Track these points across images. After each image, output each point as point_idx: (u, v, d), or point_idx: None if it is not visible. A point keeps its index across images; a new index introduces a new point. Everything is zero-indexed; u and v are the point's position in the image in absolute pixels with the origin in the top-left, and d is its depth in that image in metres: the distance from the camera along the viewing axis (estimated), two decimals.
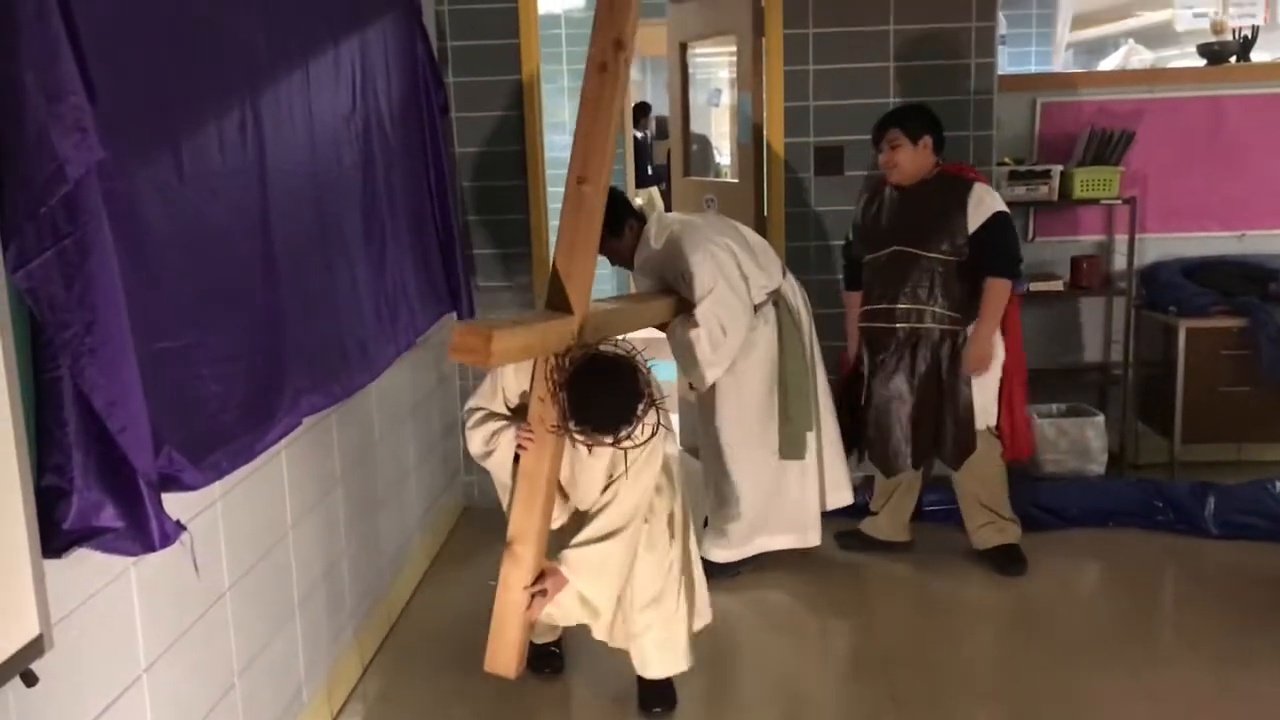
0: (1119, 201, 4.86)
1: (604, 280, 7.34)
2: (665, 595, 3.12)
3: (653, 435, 2.89)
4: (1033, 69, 7.45)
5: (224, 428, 2.28)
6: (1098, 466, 4.86)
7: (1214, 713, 3.10)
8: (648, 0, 4.16)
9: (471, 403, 3.11)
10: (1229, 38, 5.21)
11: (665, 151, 7.67)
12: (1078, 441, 4.85)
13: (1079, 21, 8.07)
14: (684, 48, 5.81)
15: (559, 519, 3.09)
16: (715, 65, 7.45)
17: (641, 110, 10.20)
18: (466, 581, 4.12)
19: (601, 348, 2.89)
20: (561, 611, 3.09)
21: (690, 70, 5.97)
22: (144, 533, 1.88)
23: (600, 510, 2.99)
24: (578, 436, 2.82)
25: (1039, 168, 4.85)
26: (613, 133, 2.94)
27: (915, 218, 3.89)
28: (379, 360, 3.37)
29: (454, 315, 4.41)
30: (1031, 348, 4.45)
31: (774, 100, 4.67)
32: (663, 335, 3.80)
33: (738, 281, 3.72)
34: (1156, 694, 3.19)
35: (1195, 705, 3.13)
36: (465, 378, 4.78)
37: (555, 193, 4.84)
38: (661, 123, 9.68)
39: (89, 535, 1.81)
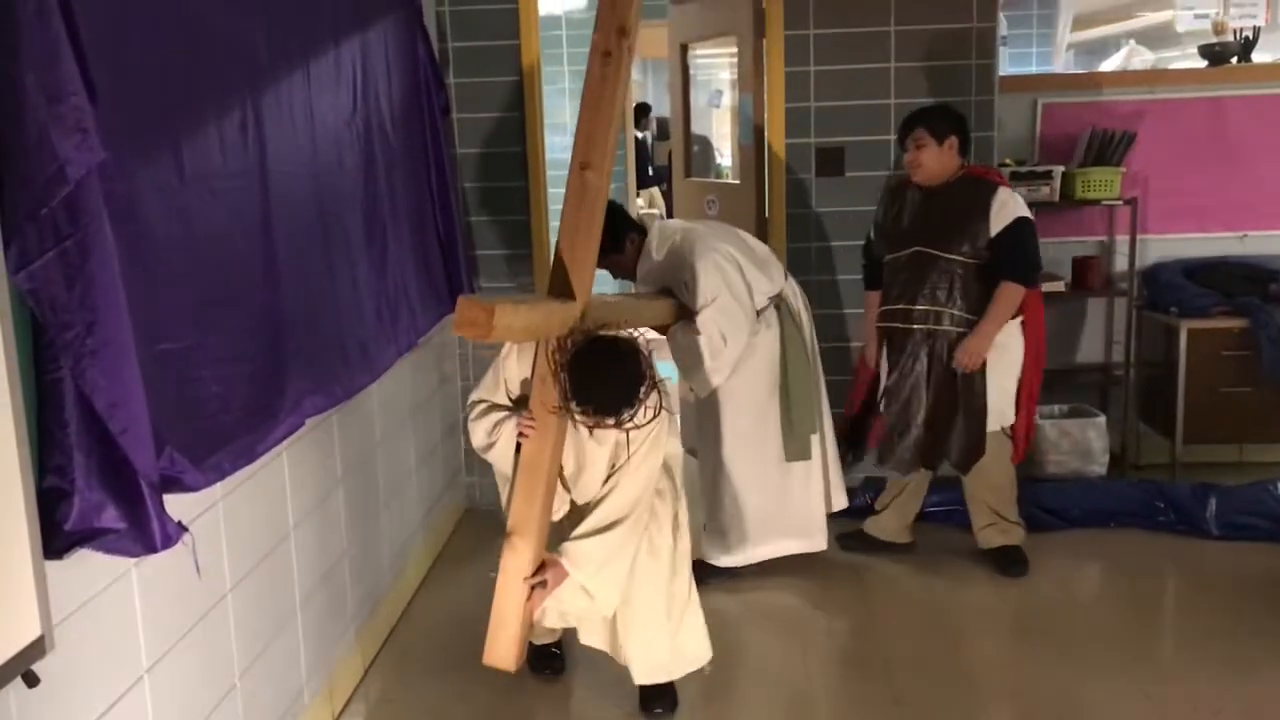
0: (1120, 202, 4.85)
1: (604, 284, 7.32)
2: (665, 600, 3.12)
3: (654, 418, 2.87)
4: (1034, 70, 7.45)
5: (225, 429, 2.29)
6: (1099, 467, 4.85)
7: (1215, 714, 3.09)
8: (649, 1, 4.17)
9: (474, 395, 3.11)
10: (1230, 38, 5.21)
11: (666, 152, 7.67)
12: (1079, 442, 4.85)
13: (1080, 22, 8.07)
14: (685, 49, 5.81)
15: (559, 511, 3.08)
16: (716, 66, 7.46)
17: (641, 111, 10.19)
18: (468, 583, 4.12)
19: (603, 331, 2.88)
20: (562, 605, 3.07)
21: (691, 71, 5.98)
22: (145, 534, 1.88)
23: (601, 500, 2.97)
24: (579, 417, 2.80)
25: (1040, 168, 4.85)
26: (616, 120, 2.94)
27: (937, 219, 3.86)
28: (380, 361, 3.37)
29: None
30: None
31: (775, 101, 4.67)
32: (662, 337, 3.80)
33: (741, 290, 3.71)
34: (1158, 695, 3.18)
35: (1196, 707, 3.13)
36: (466, 378, 4.78)
37: (556, 194, 4.83)
38: (662, 124, 9.69)
39: (90, 536, 1.81)
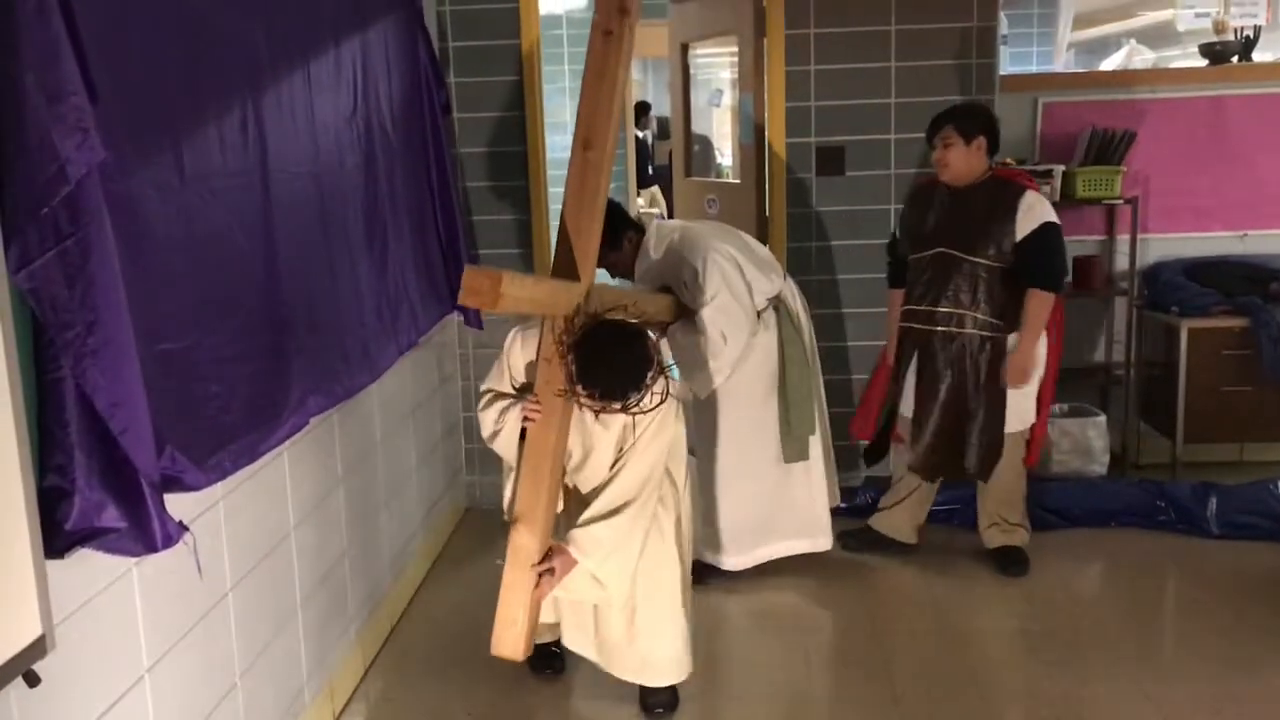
0: (1121, 201, 4.85)
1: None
2: (664, 601, 3.12)
3: (661, 403, 2.85)
4: (1034, 69, 7.44)
5: (227, 428, 2.29)
6: (1100, 467, 4.85)
7: (1215, 713, 3.09)
8: (649, 1, 4.17)
9: (483, 386, 3.11)
10: (1231, 37, 5.21)
11: (667, 152, 7.67)
12: (1080, 442, 4.85)
13: (1080, 21, 8.06)
14: (685, 48, 5.81)
15: (562, 500, 3.07)
16: (717, 66, 7.45)
17: (641, 110, 10.18)
18: (468, 582, 4.12)
19: (609, 315, 2.86)
20: (572, 594, 3.05)
21: (692, 71, 5.98)
22: (146, 533, 1.88)
23: (608, 483, 2.95)
24: (585, 401, 2.78)
25: (1040, 168, 4.84)
26: (617, 98, 2.93)
27: (963, 220, 3.82)
28: (380, 360, 3.37)
29: (456, 316, 4.42)
30: None
31: (775, 100, 4.67)
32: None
33: (741, 289, 3.70)
34: (1158, 695, 3.18)
35: (1197, 706, 3.13)
36: (467, 378, 4.78)
37: (557, 193, 4.83)
38: (663, 123, 9.68)
39: (91, 536, 1.81)
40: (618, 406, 2.77)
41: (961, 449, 3.90)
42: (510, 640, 3.01)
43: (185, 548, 2.04)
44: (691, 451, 4.15)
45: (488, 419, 3.03)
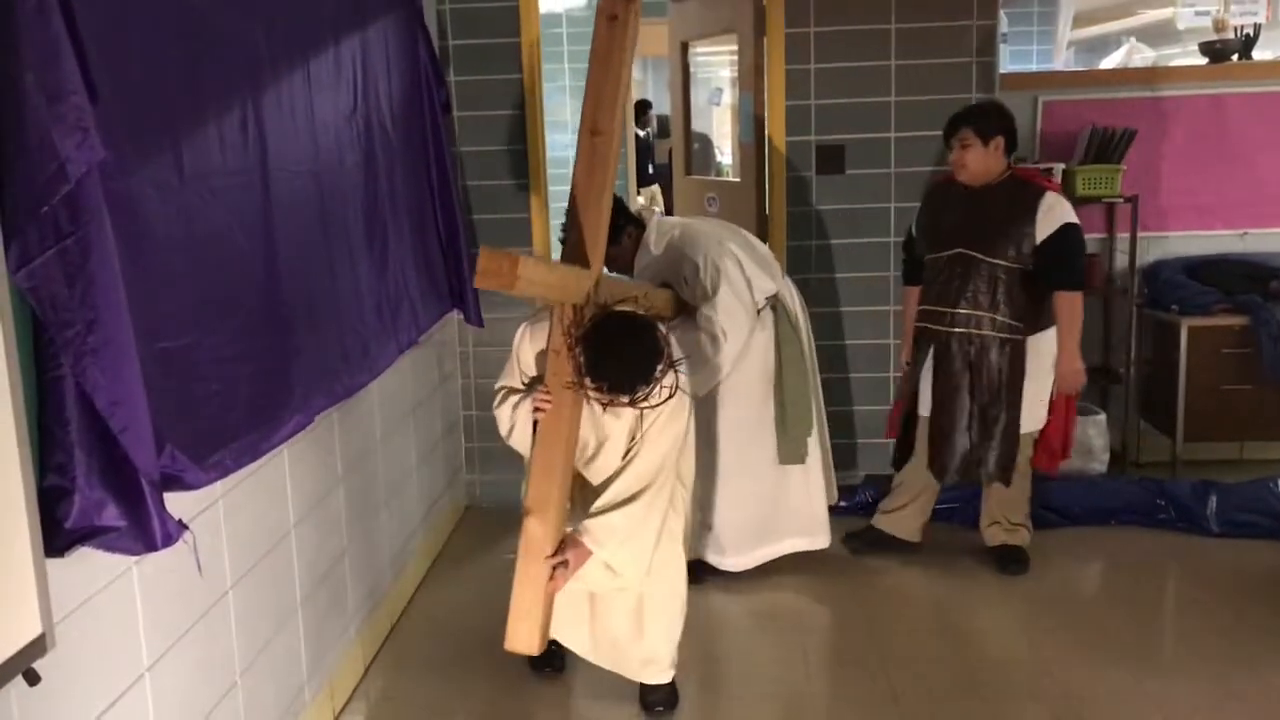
0: (1121, 200, 4.85)
1: None
2: (673, 601, 3.12)
3: (670, 397, 2.83)
4: (1034, 67, 7.45)
5: (228, 427, 2.29)
6: (1100, 465, 4.85)
7: (1215, 712, 3.10)
8: (649, 0, 4.17)
9: (497, 383, 3.10)
10: (1231, 36, 5.20)
11: (667, 150, 7.67)
12: (1080, 440, 4.83)
13: (1080, 20, 8.07)
14: (685, 47, 5.81)
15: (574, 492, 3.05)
16: (716, 64, 7.45)
17: (642, 109, 10.16)
18: (468, 580, 4.13)
19: (619, 306, 2.85)
20: (587, 585, 3.03)
21: (692, 69, 5.98)
22: (146, 532, 1.88)
23: (619, 473, 2.93)
24: (593, 394, 2.77)
25: (1040, 166, 4.84)
26: (624, 84, 2.92)
27: (982, 221, 3.79)
28: (380, 359, 3.37)
29: (457, 314, 4.42)
30: None
31: (775, 99, 4.67)
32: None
33: (741, 286, 3.69)
34: (1158, 693, 3.19)
35: (1197, 704, 3.13)
36: (467, 376, 4.79)
37: (557, 192, 4.83)
38: (663, 121, 9.66)
39: (91, 534, 1.82)
40: (626, 400, 2.75)
41: (981, 452, 3.87)
42: (524, 634, 2.97)
43: (185, 546, 2.05)
44: None
45: (502, 416, 3.02)
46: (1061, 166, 4.84)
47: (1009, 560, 4.02)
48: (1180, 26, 5.64)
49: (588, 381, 2.74)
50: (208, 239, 2.26)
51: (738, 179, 5.35)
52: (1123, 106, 5.00)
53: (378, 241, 3.43)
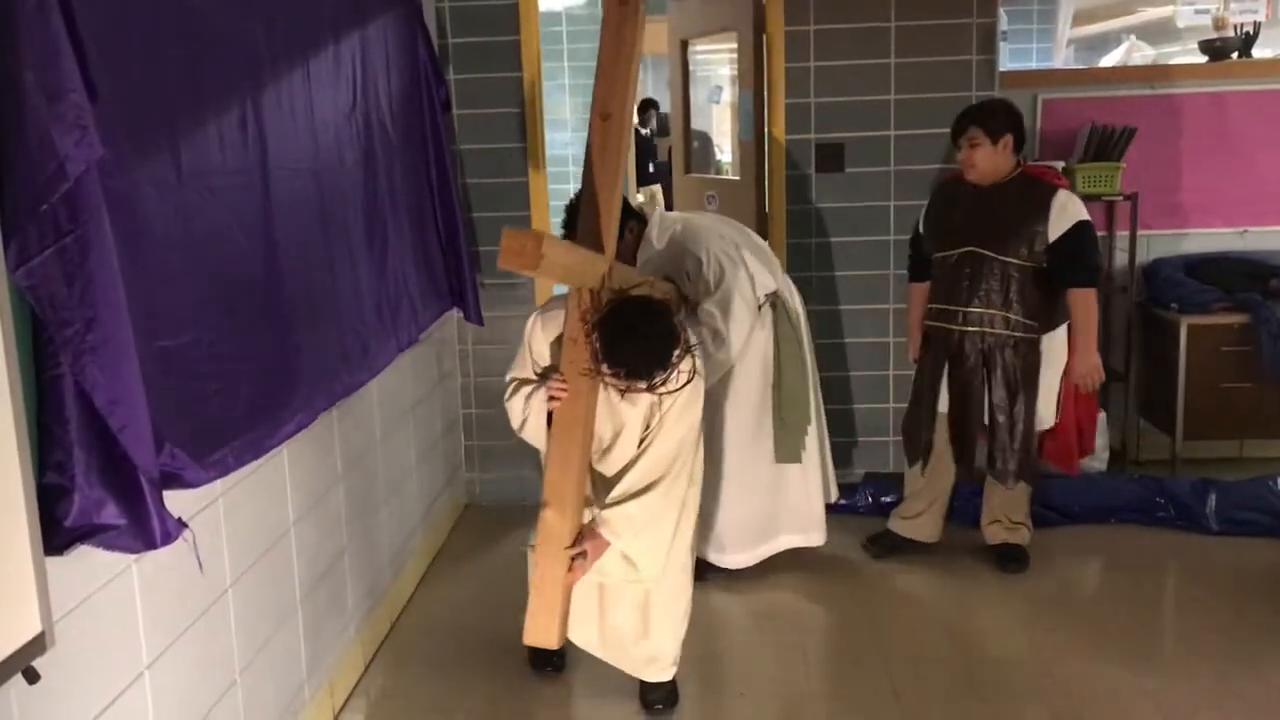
0: (1120, 198, 4.85)
1: None
2: (681, 600, 3.12)
3: (688, 382, 2.82)
4: (1034, 65, 7.45)
5: (229, 425, 2.29)
6: (1100, 463, 4.85)
7: (1215, 710, 3.10)
8: None
9: (507, 375, 3.07)
10: (1230, 34, 5.20)
11: (667, 148, 7.66)
12: None
13: (1080, 18, 8.07)
14: (685, 45, 5.81)
15: (589, 484, 3.03)
16: (716, 62, 7.45)
17: (643, 107, 10.12)
18: (468, 578, 4.13)
19: (634, 291, 2.82)
20: (605, 577, 3.01)
21: (691, 67, 5.98)
22: (145, 530, 1.88)
23: (634, 462, 2.92)
24: (610, 380, 2.75)
25: (1040, 164, 4.84)
26: (635, 66, 2.91)
27: (992, 219, 3.76)
28: (380, 358, 3.37)
29: (456, 312, 4.42)
30: None
31: (775, 97, 4.67)
32: None
33: (744, 280, 3.69)
34: (1158, 691, 3.19)
35: (1197, 703, 3.13)
36: (466, 374, 4.79)
37: (557, 190, 4.84)
38: (663, 120, 9.65)
39: (90, 533, 1.82)
40: (643, 386, 2.74)
41: (999, 453, 3.85)
42: (544, 628, 2.95)
43: (185, 544, 2.05)
44: None
45: (515, 408, 2.99)
46: (1061, 164, 4.84)
47: (1009, 559, 4.02)
48: (1180, 24, 5.64)
49: (605, 368, 2.72)
50: (207, 237, 2.26)
51: (737, 177, 5.36)
52: (1122, 104, 5.00)
53: (377, 240, 3.43)
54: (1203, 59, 5.28)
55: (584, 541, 2.91)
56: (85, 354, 1.72)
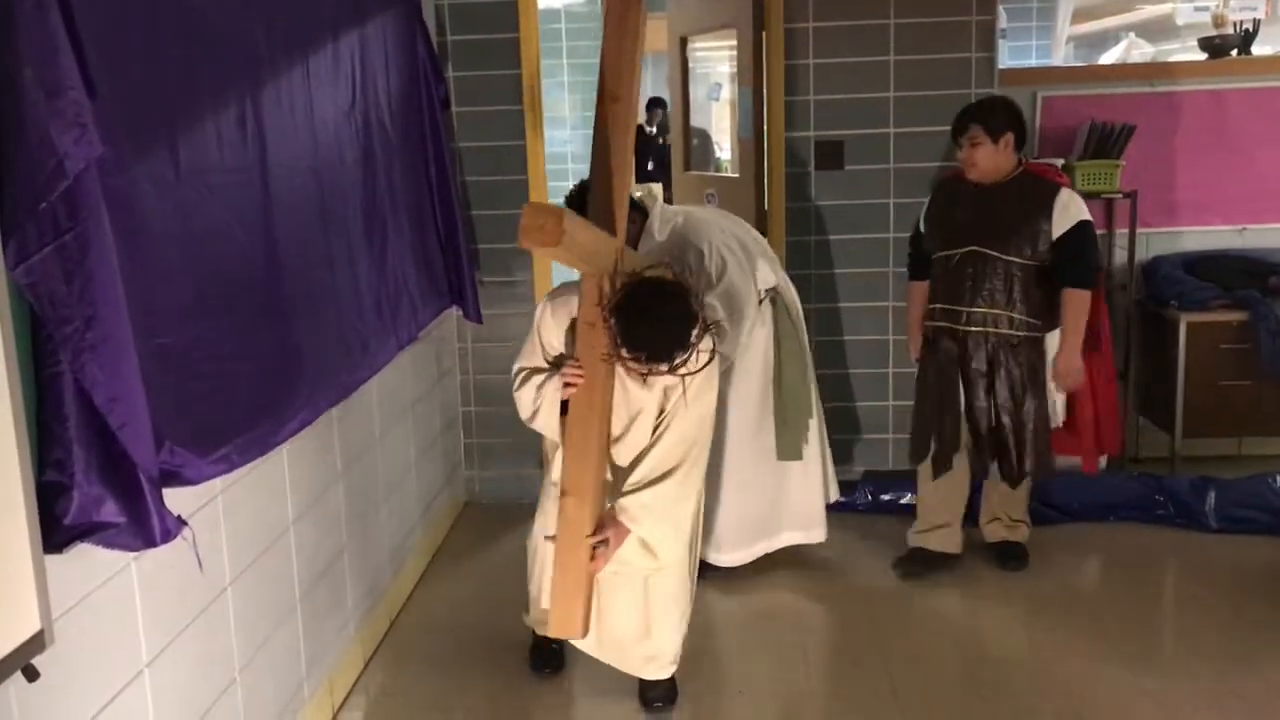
0: (1119, 195, 4.84)
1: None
2: (683, 597, 3.12)
3: (710, 361, 2.79)
4: (1033, 63, 7.45)
5: (231, 423, 2.29)
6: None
7: (1214, 708, 3.10)
8: None
9: (515, 365, 3.04)
10: (1230, 31, 5.20)
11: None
12: None
13: (1079, 15, 8.07)
14: (684, 42, 5.81)
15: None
16: (715, 60, 7.45)
17: (650, 105, 10.06)
18: (467, 576, 4.13)
19: (648, 273, 2.78)
20: (626, 566, 2.98)
21: (691, 65, 5.97)
22: (145, 528, 1.88)
23: (652, 446, 2.89)
24: (631, 365, 2.72)
25: (1039, 162, 4.84)
26: (640, 47, 2.89)
27: (995, 218, 3.73)
28: (380, 355, 3.37)
29: (455, 310, 4.42)
30: None
31: (774, 95, 4.67)
32: None
33: (745, 273, 3.69)
34: (1157, 690, 3.19)
35: (1196, 701, 3.13)
36: (466, 372, 4.78)
37: (556, 187, 4.83)
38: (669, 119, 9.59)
39: (90, 530, 1.81)
40: (664, 369, 2.71)
41: (1011, 453, 3.81)
42: (569, 619, 2.90)
43: (184, 542, 2.05)
44: None
45: (525, 398, 2.96)
46: (1060, 162, 4.84)
47: (1009, 556, 4.02)
48: (1179, 22, 5.65)
49: (624, 352, 2.69)
50: (206, 235, 2.26)
51: (736, 175, 5.35)
52: (1122, 102, 4.99)
53: (377, 237, 3.43)
54: (1202, 56, 5.28)
55: (605, 529, 2.87)
56: (84, 352, 1.72)
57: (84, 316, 1.71)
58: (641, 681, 3.19)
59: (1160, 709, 3.09)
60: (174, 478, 2.03)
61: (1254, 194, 5.08)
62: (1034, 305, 3.74)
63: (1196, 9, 5.38)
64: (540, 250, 2.61)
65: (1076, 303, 3.74)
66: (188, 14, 2.22)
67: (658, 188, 9.74)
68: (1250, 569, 3.96)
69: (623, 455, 3.00)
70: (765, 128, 4.76)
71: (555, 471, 3.10)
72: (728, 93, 6.42)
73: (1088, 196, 4.81)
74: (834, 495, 4.11)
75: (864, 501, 4.56)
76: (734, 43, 5.15)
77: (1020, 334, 3.74)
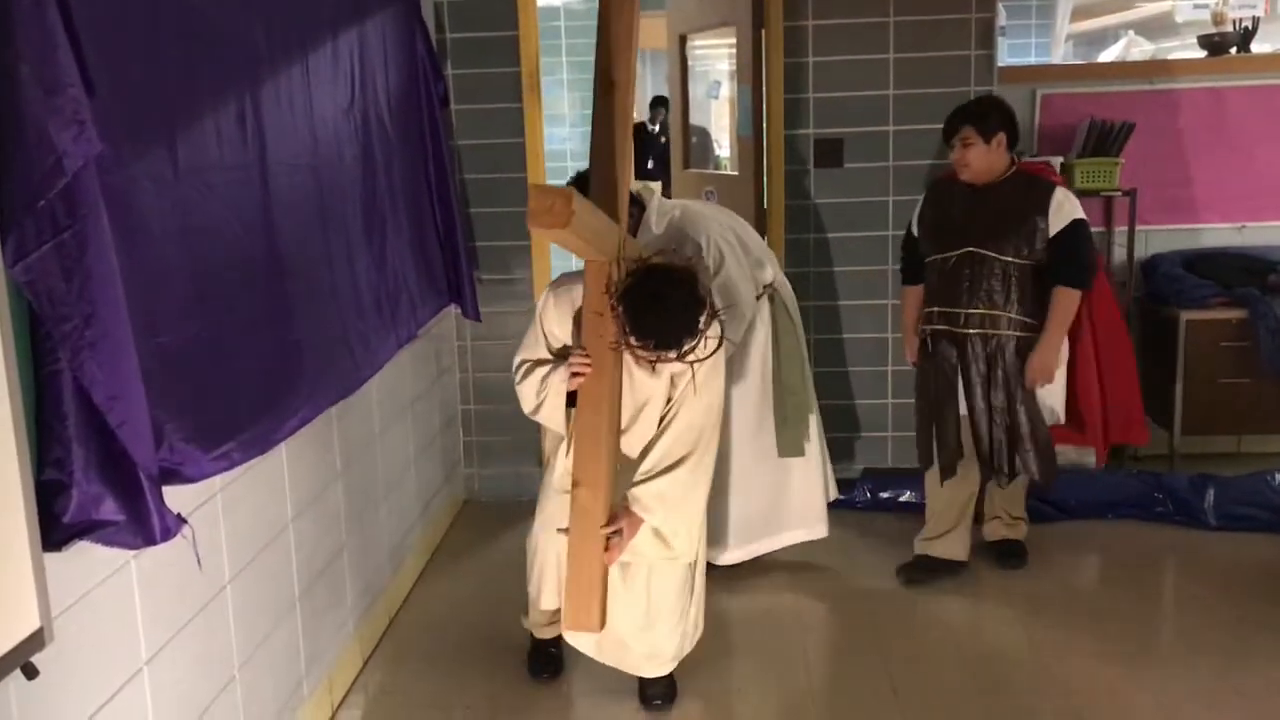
0: (1119, 193, 4.85)
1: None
2: (683, 595, 3.11)
3: (718, 347, 2.78)
4: (1032, 60, 7.45)
5: (231, 420, 2.29)
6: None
7: (1214, 706, 3.10)
8: None
9: (516, 358, 3.01)
10: (1229, 29, 5.20)
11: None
12: None
13: (1079, 13, 8.07)
14: (683, 40, 5.81)
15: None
16: (714, 58, 7.45)
17: (654, 104, 10.01)
18: (466, 574, 4.13)
19: (655, 259, 2.76)
20: (640, 557, 2.96)
21: (690, 63, 5.97)
22: (144, 526, 1.88)
23: (661, 435, 2.87)
24: (640, 352, 2.70)
25: (1039, 159, 4.83)
26: (635, 34, 2.88)
27: (991, 219, 3.71)
28: (380, 353, 3.37)
29: (454, 308, 4.41)
30: None
31: (774, 93, 4.66)
32: None
33: (744, 267, 3.69)
34: (1157, 688, 3.19)
35: (1195, 699, 3.13)
36: (465, 370, 4.78)
37: (555, 185, 4.82)
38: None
39: (89, 528, 1.81)
40: (673, 356, 2.69)
41: (1016, 455, 3.78)
42: (586, 613, 2.85)
43: (184, 540, 2.05)
44: None
45: (528, 391, 2.93)
46: (1060, 160, 4.84)
47: (1009, 555, 4.02)
48: (1179, 19, 5.65)
49: (633, 340, 2.67)
50: (205, 233, 2.25)
51: (736, 172, 5.35)
52: (1121, 100, 4.99)
53: (376, 236, 3.43)
54: (1201, 54, 5.27)
55: (619, 520, 2.85)
56: (83, 350, 1.72)
57: (83, 314, 1.71)
58: (641, 679, 3.18)
59: (1160, 707, 3.09)
60: (174, 475, 2.03)
61: (1253, 191, 5.08)
62: (1031, 305, 3.73)
63: (1196, 6, 5.38)
64: (548, 233, 2.58)
65: (1066, 301, 3.72)
66: (187, 12, 2.22)
67: (656, 185, 9.74)
68: (1250, 567, 3.96)
69: (631, 446, 2.98)
70: (764, 125, 4.75)
71: (555, 471, 3.10)
72: (727, 90, 6.42)
73: (1087, 194, 4.83)
74: (832, 494, 4.11)
75: (863, 499, 4.56)
76: (733, 40, 5.15)
77: (1018, 333, 3.73)
